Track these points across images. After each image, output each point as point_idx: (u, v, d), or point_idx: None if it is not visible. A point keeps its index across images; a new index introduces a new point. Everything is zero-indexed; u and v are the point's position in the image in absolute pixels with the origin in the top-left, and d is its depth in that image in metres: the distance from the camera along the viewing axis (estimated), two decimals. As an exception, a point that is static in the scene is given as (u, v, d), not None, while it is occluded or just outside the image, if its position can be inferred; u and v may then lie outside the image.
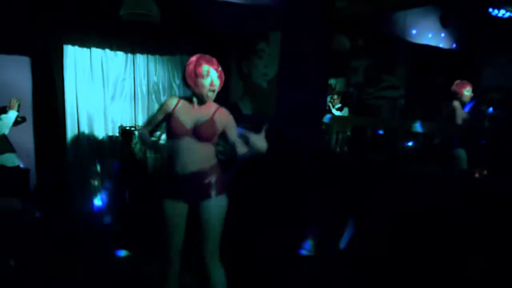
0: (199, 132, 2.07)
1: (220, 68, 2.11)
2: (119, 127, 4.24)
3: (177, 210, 2.21)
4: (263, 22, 4.35)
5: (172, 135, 2.11)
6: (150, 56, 4.70)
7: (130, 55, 4.56)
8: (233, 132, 2.24)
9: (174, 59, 4.88)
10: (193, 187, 2.14)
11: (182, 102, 2.16)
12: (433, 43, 4.58)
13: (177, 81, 4.93)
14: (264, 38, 4.53)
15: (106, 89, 4.43)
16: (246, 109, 4.97)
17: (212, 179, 2.14)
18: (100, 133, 4.43)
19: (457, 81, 3.31)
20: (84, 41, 4.20)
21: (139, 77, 4.64)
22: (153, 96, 4.79)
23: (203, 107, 2.15)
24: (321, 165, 3.68)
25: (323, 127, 4.07)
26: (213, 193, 2.13)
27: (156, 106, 4.81)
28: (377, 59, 5.08)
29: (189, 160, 2.09)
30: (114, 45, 4.42)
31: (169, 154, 2.16)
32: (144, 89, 4.70)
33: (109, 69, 4.41)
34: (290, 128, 4.06)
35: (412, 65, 4.62)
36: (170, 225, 2.24)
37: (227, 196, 2.22)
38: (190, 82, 2.08)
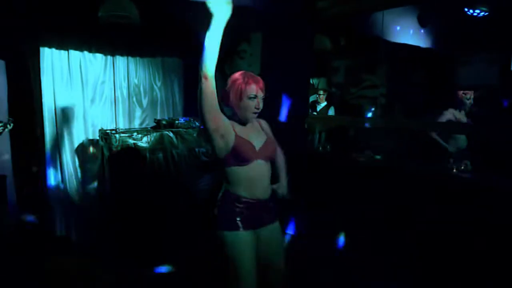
0: (266, 152, 1.92)
1: (264, 88, 1.95)
2: (100, 130, 4.16)
3: (251, 241, 1.89)
4: (245, 23, 4.34)
5: (240, 159, 1.87)
6: (130, 58, 4.63)
7: (109, 57, 4.48)
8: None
9: (155, 61, 4.82)
10: (264, 212, 1.95)
11: (233, 123, 1.94)
12: (412, 42, 4.67)
13: (158, 84, 4.87)
14: (246, 38, 4.52)
15: (86, 92, 4.33)
16: (229, 110, 4.94)
17: (273, 204, 2.00)
18: (80, 137, 4.33)
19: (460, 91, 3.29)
20: (62, 43, 4.11)
21: (119, 79, 4.56)
22: (134, 99, 4.72)
23: (251, 125, 1.99)
24: (306, 165, 3.69)
25: (306, 126, 4.08)
26: (275, 217, 2.00)
27: (137, 109, 4.74)
28: (357, 59, 5.15)
29: (265, 183, 1.93)
30: (93, 47, 4.34)
31: (237, 181, 1.94)
32: (125, 91, 4.62)
33: (88, 71, 4.32)
34: (273, 128, 4.06)
35: (391, 64, 4.69)
36: (248, 261, 1.85)
37: None
38: (234, 102, 1.91)
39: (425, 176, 2.88)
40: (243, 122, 1.96)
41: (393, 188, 2.97)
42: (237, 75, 1.96)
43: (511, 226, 2.33)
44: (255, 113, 1.92)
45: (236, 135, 1.89)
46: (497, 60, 3.23)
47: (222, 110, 1.97)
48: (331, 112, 5.05)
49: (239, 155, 1.87)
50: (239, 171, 1.93)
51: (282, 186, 2.14)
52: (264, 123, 2.10)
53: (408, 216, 2.82)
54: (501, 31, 3.19)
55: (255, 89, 1.90)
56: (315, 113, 5.08)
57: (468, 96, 3.20)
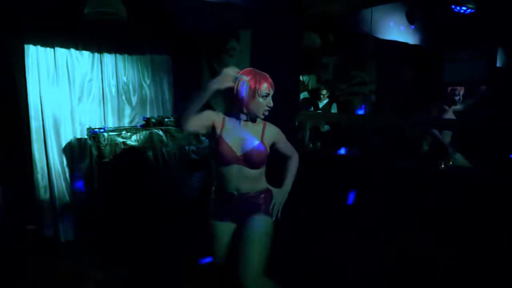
0: (249, 160, 1.93)
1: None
2: (88, 129, 4.10)
3: (226, 230, 2.09)
4: (233, 20, 4.32)
5: (220, 161, 1.95)
6: (118, 56, 4.57)
7: (97, 55, 4.41)
8: (283, 147, 2.14)
9: (144, 58, 4.76)
10: (242, 209, 2.02)
11: (228, 120, 2.00)
12: (400, 39, 4.70)
13: (148, 81, 4.82)
14: (235, 36, 4.50)
15: (73, 91, 4.26)
16: (219, 108, 4.93)
17: (261, 200, 2.04)
18: (67, 136, 4.27)
19: (450, 88, 3.32)
20: (47, 41, 4.02)
21: (107, 77, 4.50)
22: (123, 97, 4.66)
23: (250, 125, 2.01)
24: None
25: (296, 123, 4.09)
26: (262, 210, 2.03)
27: (126, 107, 4.68)
28: (346, 56, 5.17)
29: (240, 186, 1.98)
30: (80, 45, 4.26)
31: (218, 178, 2.03)
32: (113, 89, 4.56)
33: (75, 69, 4.25)
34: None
35: (380, 61, 4.73)
36: (221, 246, 2.09)
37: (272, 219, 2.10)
38: (246, 101, 1.92)
39: (414, 172, 2.91)
40: (239, 118, 1.99)
41: (382, 184, 2.99)
42: (246, 73, 1.97)
43: (499, 221, 2.37)
44: (267, 110, 1.97)
45: (220, 137, 1.94)
46: (484, 56, 3.27)
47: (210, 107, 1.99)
48: (334, 109, 5.06)
49: (218, 156, 1.95)
50: (219, 169, 2.01)
51: (281, 192, 2.14)
52: (270, 129, 2.06)
53: (399, 210, 2.84)
54: (488, 27, 3.23)
55: (267, 88, 1.95)
56: (319, 111, 5.07)
57: (457, 93, 3.23)
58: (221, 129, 1.96)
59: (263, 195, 2.05)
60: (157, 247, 3.65)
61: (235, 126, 1.98)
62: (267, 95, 1.95)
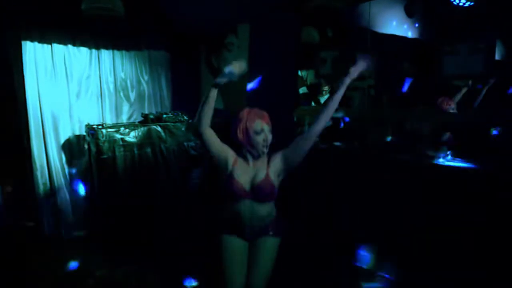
0: (258, 194, 1.99)
1: (270, 122, 2.04)
2: (86, 125, 4.09)
3: (241, 247, 2.12)
4: (232, 15, 4.30)
5: (231, 196, 2.02)
6: (116, 52, 4.55)
7: (94, 51, 4.39)
8: (293, 151, 2.08)
9: (142, 54, 4.75)
10: (254, 232, 2.09)
11: (239, 159, 2.06)
12: (398, 33, 4.68)
13: (146, 77, 4.81)
14: (233, 31, 4.48)
15: (71, 87, 4.25)
16: (217, 103, 4.91)
17: (271, 226, 2.10)
18: (66, 133, 4.26)
19: (441, 98, 3.28)
20: (44, 37, 4.01)
21: (105, 73, 4.48)
22: (121, 93, 4.65)
23: (257, 161, 2.06)
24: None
25: (295, 119, 4.08)
26: (271, 232, 2.10)
27: (124, 103, 4.67)
28: (345, 50, 5.15)
29: (252, 222, 2.04)
30: (77, 41, 4.24)
31: (229, 211, 2.07)
32: (111, 86, 4.55)
33: (73, 66, 4.24)
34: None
35: (379, 55, 4.70)
36: (234, 264, 2.09)
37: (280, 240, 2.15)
38: (242, 139, 2.00)
39: (410, 165, 2.91)
40: (247, 158, 2.05)
41: (383, 177, 3.00)
42: (241, 113, 2.03)
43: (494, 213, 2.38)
44: (265, 146, 2.00)
45: (230, 173, 2.01)
46: (482, 49, 3.26)
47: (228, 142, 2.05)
48: None
49: (228, 192, 2.02)
50: (230, 204, 2.06)
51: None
52: (274, 158, 2.07)
53: (397, 204, 2.85)
54: (486, 20, 3.21)
55: (260, 124, 1.98)
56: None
57: (453, 107, 3.21)
58: (233, 166, 2.02)
59: (273, 222, 2.11)
60: (156, 243, 3.66)
61: (244, 163, 2.05)
62: (262, 130, 1.99)
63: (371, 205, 2.98)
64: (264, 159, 2.06)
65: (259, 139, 1.97)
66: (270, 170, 2.03)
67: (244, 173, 2.01)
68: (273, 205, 2.13)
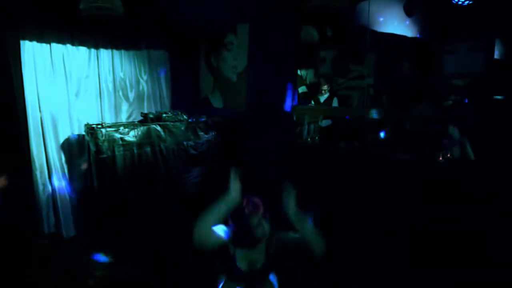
0: (256, 243, 1.98)
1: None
2: (85, 125, 4.09)
3: None
4: (231, 14, 4.30)
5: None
6: (115, 51, 4.54)
7: (93, 50, 4.38)
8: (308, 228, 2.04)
9: (141, 54, 4.74)
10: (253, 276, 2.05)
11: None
12: (398, 31, 4.68)
13: (145, 77, 4.80)
14: (232, 30, 4.48)
15: (70, 87, 4.23)
16: (217, 102, 4.92)
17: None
18: (65, 133, 4.25)
19: None
20: (43, 37, 3.99)
21: (104, 73, 4.47)
22: (120, 93, 4.64)
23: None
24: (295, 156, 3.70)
25: (294, 118, 4.08)
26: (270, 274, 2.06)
27: (123, 103, 4.67)
28: (344, 49, 5.14)
29: (252, 262, 2.02)
30: (76, 40, 4.23)
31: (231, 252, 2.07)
32: (110, 85, 4.54)
33: (72, 65, 4.22)
34: (261, 120, 4.05)
35: (378, 54, 4.70)
36: None
37: None
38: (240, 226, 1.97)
39: (412, 165, 2.91)
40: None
41: (383, 177, 3.00)
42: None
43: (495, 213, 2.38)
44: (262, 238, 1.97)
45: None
46: (482, 49, 3.26)
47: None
48: (335, 102, 5.04)
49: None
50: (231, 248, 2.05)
51: None
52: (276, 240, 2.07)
53: (397, 203, 2.85)
54: (486, 19, 3.22)
55: (257, 220, 1.94)
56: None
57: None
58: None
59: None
60: (155, 243, 3.66)
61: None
62: (259, 225, 1.95)
63: (370, 204, 2.98)
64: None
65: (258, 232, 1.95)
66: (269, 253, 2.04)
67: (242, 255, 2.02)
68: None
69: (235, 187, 2.00)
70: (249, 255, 2.02)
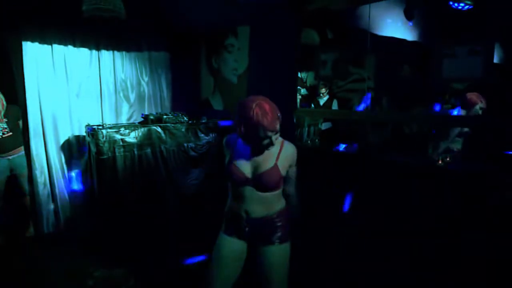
0: (261, 184, 1.87)
1: (278, 113, 1.86)
2: (86, 126, 4.10)
3: (235, 251, 1.99)
4: (232, 16, 4.31)
5: (231, 182, 1.92)
6: (116, 52, 4.55)
7: (94, 51, 4.40)
8: (293, 176, 1.99)
9: (142, 55, 4.76)
10: (256, 233, 1.95)
11: (241, 144, 1.93)
12: (398, 35, 4.70)
13: (146, 78, 4.81)
14: (233, 32, 4.49)
15: (71, 88, 4.25)
16: (217, 104, 4.93)
17: (277, 225, 1.95)
18: (66, 133, 4.26)
19: (471, 94, 3.22)
20: (44, 38, 4.01)
21: (105, 74, 4.49)
22: (121, 94, 4.65)
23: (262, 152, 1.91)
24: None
25: (295, 120, 4.09)
26: (277, 239, 1.94)
27: (124, 104, 4.68)
28: (344, 52, 5.16)
29: (252, 208, 1.91)
30: (77, 41, 4.25)
31: (230, 196, 1.98)
32: (111, 86, 4.55)
33: (73, 66, 4.24)
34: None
35: (379, 57, 4.72)
36: (221, 266, 1.95)
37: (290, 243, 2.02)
38: (246, 136, 1.83)
39: (410, 168, 2.92)
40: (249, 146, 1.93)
41: (381, 179, 3.00)
42: (248, 107, 1.78)
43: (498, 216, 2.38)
44: (268, 148, 1.88)
45: (230, 162, 1.93)
46: (481, 52, 3.28)
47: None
48: (335, 105, 5.05)
49: (229, 178, 1.93)
50: (232, 189, 1.98)
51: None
52: (290, 149, 1.95)
53: (396, 207, 2.86)
54: (485, 23, 3.23)
55: (270, 129, 1.80)
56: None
57: (482, 104, 3.14)
58: (234, 150, 1.93)
59: (278, 219, 1.95)
60: (155, 244, 3.66)
61: (245, 147, 1.92)
62: (269, 137, 1.86)
63: (370, 205, 2.99)
64: (271, 149, 1.90)
65: (265, 142, 1.83)
66: (280, 159, 1.90)
67: (245, 156, 1.90)
68: (280, 197, 1.99)
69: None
70: (254, 162, 1.87)
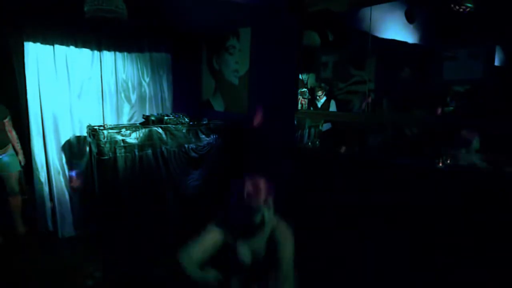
0: (254, 230, 1.87)
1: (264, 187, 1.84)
2: (87, 126, 4.11)
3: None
4: (233, 18, 4.32)
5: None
6: (118, 53, 4.57)
7: (96, 52, 4.41)
8: (287, 256, 1.88)
9: (143, 56, 4.77)
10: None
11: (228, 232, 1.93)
12: (399, 37, 4.70)
13: (147, 79, 4.82)
14: (234, 34, 4.50)
15: (72, 88, 4.26)
16: (218, 106, 4.94)
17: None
18: (67, 134, 4.27)
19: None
20: (46, 38, 4.02)
21: (106, 75, 4.50)
22: (122, 95, 4.66)
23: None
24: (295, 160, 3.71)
25: (295, 122, 4.10)
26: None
27: (125, 105, 4.69)
28: (345, 54, 5.17)
29: (255, 253, 1.94)
30: (79, 42, 4.26)
31: None
32: (112, 87, 4.56)
33: (74, 67, 4.25)
34: (263, 124, 4.07)
35: (380, 60, 4.72)
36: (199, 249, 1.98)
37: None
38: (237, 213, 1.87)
39: (412, 170, 2.92)
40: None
41: (383, 182, 3.01)
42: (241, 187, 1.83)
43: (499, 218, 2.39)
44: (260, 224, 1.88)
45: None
46: (482, 55, 3.28)
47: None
48: (333, 106, 5.04)
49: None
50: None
51: None
52: (282, 231, 1.91)
53: (398, 209, 2.86)
54: (486, 26, 3.24)
55: (256, 202, 1.81)
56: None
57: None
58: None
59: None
60: (155, 244, 3.66)
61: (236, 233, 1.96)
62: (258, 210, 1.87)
63: (370, 206, 2.99)
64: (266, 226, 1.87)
65: (256, 218, 1.82)
66: (270, 243, 1.89)
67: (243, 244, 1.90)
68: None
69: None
70: (251, 245, 1.87)
